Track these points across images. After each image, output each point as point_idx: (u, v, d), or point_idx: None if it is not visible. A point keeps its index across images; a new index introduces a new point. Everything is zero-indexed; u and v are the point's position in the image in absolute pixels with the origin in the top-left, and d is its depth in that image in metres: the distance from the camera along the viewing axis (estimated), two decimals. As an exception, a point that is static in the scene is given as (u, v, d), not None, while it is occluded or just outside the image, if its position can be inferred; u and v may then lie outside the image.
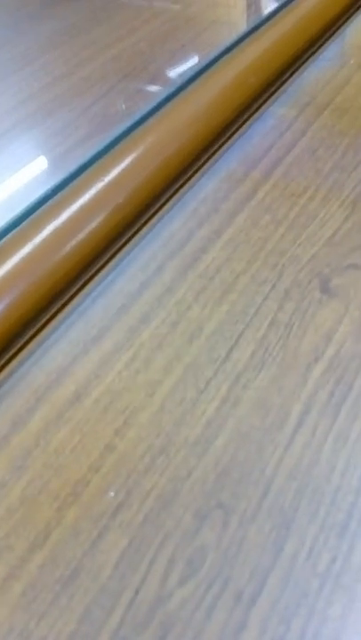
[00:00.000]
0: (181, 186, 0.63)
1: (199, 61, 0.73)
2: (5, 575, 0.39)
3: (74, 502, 0.42)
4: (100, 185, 0.63)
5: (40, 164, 0.71)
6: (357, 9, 0.95)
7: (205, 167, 0.64)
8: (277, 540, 0.39)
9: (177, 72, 0.80)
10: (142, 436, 0.44)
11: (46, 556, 0.40)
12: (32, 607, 0.38)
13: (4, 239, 0.56)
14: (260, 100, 0.70)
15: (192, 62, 0.78)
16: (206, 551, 0.39)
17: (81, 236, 0.58)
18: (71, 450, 0.44)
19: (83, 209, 0.61)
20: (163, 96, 0.68)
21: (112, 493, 0.42)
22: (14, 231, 0.58)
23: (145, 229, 0.59)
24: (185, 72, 0.72)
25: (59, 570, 0.39)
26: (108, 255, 0.57)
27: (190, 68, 0.72)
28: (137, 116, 0.68)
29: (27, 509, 0.42)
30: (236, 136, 0.67)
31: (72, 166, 0.64)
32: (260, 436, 0.43)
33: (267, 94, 0.70)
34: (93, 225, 0.59)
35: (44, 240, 0.58)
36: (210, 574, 0.38)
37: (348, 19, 0.89)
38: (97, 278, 0.55)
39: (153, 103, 0.69)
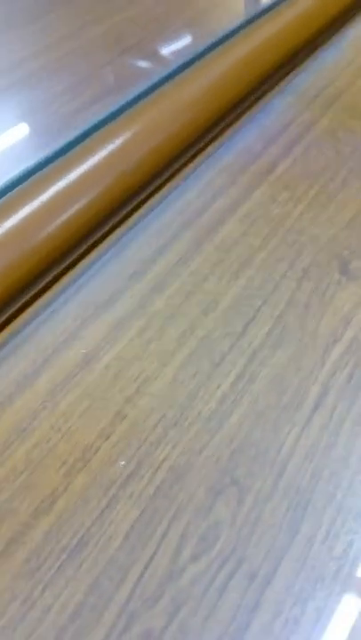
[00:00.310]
0: (197, 155, 0.61)
1: (220, 30, 0.71)
2: (8, 540, 0.37)
3: (82, 469, 0.40)
4: (110, 147, 0.61)
5: (52, 121, 0.68)
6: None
7: (223, 138, 0.62)
8: (293, 521, 0.38)
9: (198, 38, 0.78)
10: (154, 406, 0.43)
11: (52, 523, 0.38)
12: (36, 575, 0.36)
13: (15, 191, 0.54)
14: (280, 75, 0.68)
15: (213, 30, 0.76)
16: (220, 528, 0.38)
17: (90, 196, 0.56)
18: (80, 415, 0.42)
19: (91, 170, 0.59)
20: (181, 62, 0.66)
21: (122, 462, 0.40)
22: (25, 184, 0.55)
23: (159, 196, 0.57)
24: (205, 39, 0.70)
25: (65, 538, 0.37)
26: (120, 217, 0.55)
27: (211, 36, 0.70)
28: (153, 81, 0.65)
29: (32, 473, 0.40)
30: (255, 109, 0.65)
31: (83, 126, 0.61)
32: (277, 414, 0.42)
33: (287, 70, 0.69)
34: (102, 187, 0.57)
35: (52, 197, 0.55)
36: (223, 552, 0.37)
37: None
38: (108, 241, 0.53)
39: (171, 69, 0.66)
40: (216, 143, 0.62)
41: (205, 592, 0.36)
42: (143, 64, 0.75)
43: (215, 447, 0.41)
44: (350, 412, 0.42)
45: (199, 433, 0.42)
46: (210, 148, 0.61)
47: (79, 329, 0.47)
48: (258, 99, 0.66)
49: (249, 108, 0.65)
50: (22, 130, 0.70)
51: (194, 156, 0.62)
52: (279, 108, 0.65)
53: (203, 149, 0.62)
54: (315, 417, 0.42)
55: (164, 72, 0.68)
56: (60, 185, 0.56)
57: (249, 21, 0.74)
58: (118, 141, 0.61)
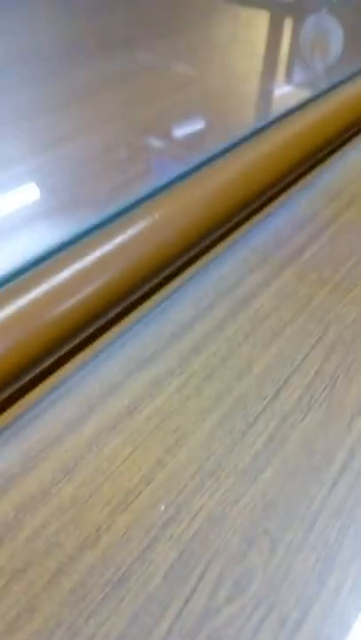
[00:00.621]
0: (232, 234, 0.66)
1: (262, 120, 0.78)
2: (55, 570, 0.40)
3: (125, 510, 0.43)
4: (153, 219, 0.66)
5: (98, 193, 0.73)
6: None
7: (255, 221, 0.68)
8: (322, 571, 0.41)
9: (241, 127, 0.85)
10: (192, 457, 0.46)
11: (97, 557, 0.40)
12: (81, 605, 0.38)
13: (61, 253, 0.58)
14: (309, 170, 0.75)
15: (254, 121, 0.83)
16: (253, 574, 0.40)
17: (134, 263, 0.61)
18: (123, 460, 0.45)
19: (133, 239, 0.64)
20: (218, 151, 0.73)
21: (162, 507, 0.43)
22: (71, 248, 0.60)
23: (197, 268, 0.62)
24: (249, 128, 0.77)
25: (109, 572, 0.40)
26: (161, 284, 0.60)
27: (253, 126, 0.77)
28: (192, 165, 0.71)
29: (77, 510, 0.43)
30: (285, 198, 0.71)
31: (128, 199, 0.67)
32: (306, 474, 0.45)
33: (315, 166, 0.76)
34: (144, 255, 0.62)
35: (95, 261, 0.60)
36: (256, 596, 0.39)
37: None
38: (151, 303, 0.57)
39: (206, 156, 0.73)
40: (249, 225, 0.67)
41: (239, 632, 0.38)
42: (182, 151, 0.82)
43: (249, 499, 0.44)
44: (374, 476, 0.46)
45: (234, 485, 0.45)
46: (244, 230, 0.66)
47: (123, 381, 0.50)
48: (288, 189, 0.72)
49: (280, 196, 0.71)
50: (80, 200, 0.75)
51: (229, 235, 0.67)
52: (308, 199, 0.72)
53: (237, 230, 0.67)
54: (342, 478, 0.45)
55: (204, 158, 0.74)
56: (105, 250, 0.61)
57: (279, 119, 0.82)
58: (162, 214, 0.66)
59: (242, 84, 1.04)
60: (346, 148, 0.84)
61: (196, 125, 0.85)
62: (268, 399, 0.50)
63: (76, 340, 0.53)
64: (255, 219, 0.68)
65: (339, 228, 0.67)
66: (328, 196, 0.73)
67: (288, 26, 1.48)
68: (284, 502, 0.44)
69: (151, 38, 1.15)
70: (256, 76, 1.08)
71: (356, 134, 0.87)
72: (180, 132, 0.84)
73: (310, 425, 0.49)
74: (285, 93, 1.01)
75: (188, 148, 0.78)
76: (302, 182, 0.75)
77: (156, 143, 0.80)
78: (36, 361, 0.51)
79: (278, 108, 0.89)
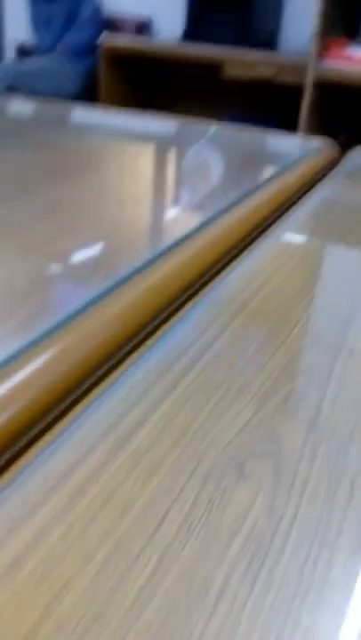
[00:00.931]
0: (112, 372, 0.71)
1: (134, 262, 0.85)
2: None
3: (11, 668, 0.44)
4: (38, 362, 0.70)
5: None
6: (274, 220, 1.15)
7: (133, 358, 0.73)
8: None
9: (140, 256, 0.92)
10: (77, 604, 0.48)
11: None
12: None
13: None
14: (199, 288, 0.83)
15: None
16: None
17: (19, 405, 0.64)
18: (10, 615, 0.47)
19: (22, 382, 0.67)
20: (111, 285, 0.79)
21: (49, 659, 0.44)
22: None
23: (79, 411, 0.65)
24: (147, 256, 0.85)
25: None
26: (43, 429, 0.63)
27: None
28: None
29: None
30: (175, 320, 0.78)
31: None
32: (187, 604, 0.48)
33: (204, 283, 0.84)
34: (29, 398, 0.65)
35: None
36: None
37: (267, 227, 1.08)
38: (32, 452, 0.60)
39: (88, 299, 0.78)
40: (130, 361, 0.72)
41: None
42: (80, 285, 0.87)
43: (133, 637, 0.46)
44: (250, 596, 0.48)
45: (119, 626, 0.46)
46: (125, 365, 0.71)
47: (6, 536, 0.52)
48: (177, 310, 0.80)
49: (166, 321, 0.78)
50: None
51: (108, 376, 0.72)
52: (196, 316, 0.79)
53: (116, 369, 0.72)
54: (219, 604, 0.48)
55: (93, 293, 0.80)
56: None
57: (171, 247, 0.91)
58: (45, 357, 0.70)
59: (143, 213, 1.13)
60: (234, 262, 0.92)
61: (91, 261, 0.92)
62: (149, 533, 0.53)
63: None
64: (132, 356, 0.73)
65: (221, 346, 0.74)
66: (214, 312, 0.80)
67: (174, 161, 1.62)
68: (167, 636, 0.46)
69: (51, 183, 1.24)
70: (153, 207, 1.18)
71: (236, 256, 0.97)
72: (79, 266, 0.91)
73: (190, 553, 0.51)
74: (181, 221, 1.11)
75: (85, 282, 0.84)
76: (191, 301, 0.82)
77: (53, 279, 0.86)
78: None
79: (173, 234, 0.98)
